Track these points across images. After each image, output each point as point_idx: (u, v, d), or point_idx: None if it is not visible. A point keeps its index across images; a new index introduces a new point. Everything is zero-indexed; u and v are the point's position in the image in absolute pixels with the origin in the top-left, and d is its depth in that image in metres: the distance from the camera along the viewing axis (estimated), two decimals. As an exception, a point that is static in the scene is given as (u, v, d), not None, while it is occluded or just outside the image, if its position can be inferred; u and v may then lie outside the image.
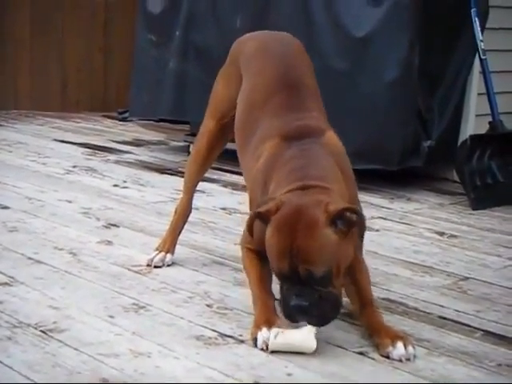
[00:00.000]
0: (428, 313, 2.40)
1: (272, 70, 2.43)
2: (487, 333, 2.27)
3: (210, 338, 2.12)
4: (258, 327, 2.07)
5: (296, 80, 2.41)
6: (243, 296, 2.43)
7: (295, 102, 2.32)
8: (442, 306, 2.46)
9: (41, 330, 2.11)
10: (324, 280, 1.97)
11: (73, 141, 5.28)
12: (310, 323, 2.00)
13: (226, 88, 2.61)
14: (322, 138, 2.21)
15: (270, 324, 2.06)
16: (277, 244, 2.00)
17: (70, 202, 3.58)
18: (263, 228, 2.07)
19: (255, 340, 2.05)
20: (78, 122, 6.14)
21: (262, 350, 2.03)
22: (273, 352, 2.01)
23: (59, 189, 3.83)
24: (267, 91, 2.38)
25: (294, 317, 2.01)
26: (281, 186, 2.08)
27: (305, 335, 2.01)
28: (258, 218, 2.07)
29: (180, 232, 2.79)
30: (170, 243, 2.76)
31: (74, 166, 4.41)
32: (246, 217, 2.21)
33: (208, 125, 2.67)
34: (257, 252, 2.23)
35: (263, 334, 2.03)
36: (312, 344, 2.01)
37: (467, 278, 2.76)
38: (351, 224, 2.00)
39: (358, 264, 2.19)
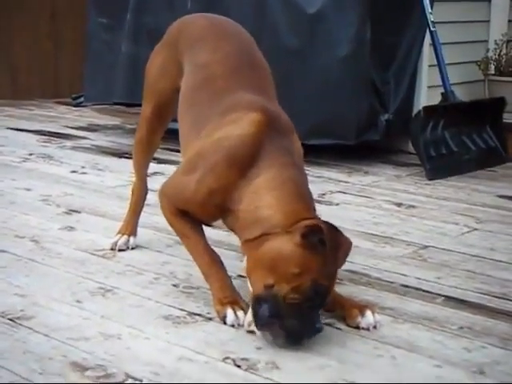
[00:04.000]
0: (390, 282, 2.45)
1: (232, 46, 2.39)
2: (448, 298, 2.33)
3: (178, 317, 2.15)
4: (222, 305, 2.11)
5: (256, 61, 2.39)
6: (209, 274, 2.45)
7: (260, 84, 2.31)
8: (403, 275, 2.51)
9: (8, 318, 2.11)
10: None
11: (27, 128, 5.22)
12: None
13: (161, 69, 2.56)
14: (293, 136, 2.20)
15: (234, 302, 2.10)
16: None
17: (28, 189, 3.56)
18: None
19: (224, 317, 2.08)
20: (31, 110, 6.07)
21: (232, 326, 2.06)
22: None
23: (17, 177, 3.80)
24: (231, 65, 2.32)
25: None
26: (288, 209, 2.02)
27: None
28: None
29: (139, 213, 2.80)
30: (131, 226, 2.77)
31: (31, 154, 4.37)
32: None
33: (145, 111, 2.63)
34: (187, 213, 2.19)
35: (232, 313, 2.07)
36: None
37: (426, 247, 2.82)
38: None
39: None
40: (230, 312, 2.08)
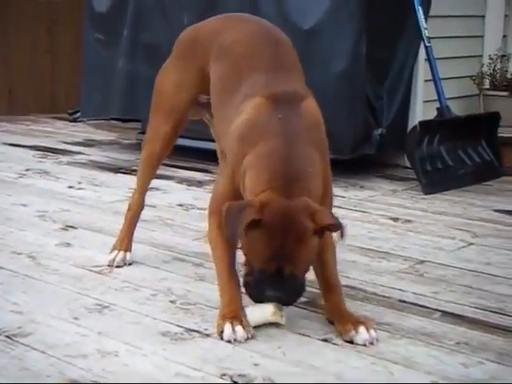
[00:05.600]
0: (387, 297, 2.46)
1: (251, 27, 2.44)
2: (445, 313, 2.33)
3: (175, 333, 2.15)
4: (223, 320, 2.11)
5: (277, 37, 2.42)
6: (206, 290, 2.46)
7: (279, 59, 2.34)
8: (400, 290, 2.52)
9: (5, 336, 2.11)
10: (302, 277, 2.09)
11: (23, 144, 5.23)
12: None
13: (177, 85, 2.56)
14: (301, 105, 2.21)
15: (235, 318, 2.10)
16: (268, 247, 2.03)
17: (25, 205, 3.56)
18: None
19: (221, 333, 2.08)
20: (28, 125, 6.08)
21: (228, 342, 2.06)
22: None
23: (13, 193, 3.80)
24: (251, 44, 2.37)
25: (264, 301, 2.10)
26: (260, 178, 2.07)
27: (275, 309, 2.13)
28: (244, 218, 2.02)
29: (134, 229, 2.79)
30: (127, 241, 2.76)
31: (27, 170, 4.37)
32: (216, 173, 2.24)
33: (162, 128, 2.61)
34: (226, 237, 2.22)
35: (229, 328, 2.07)
36: (282, 317, 2.14)
37: (423, 262, 2.83)
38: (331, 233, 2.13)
39: (327, 245, 2.22)
40: (227, 327, 2.08)
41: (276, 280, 2.05)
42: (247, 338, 2.07)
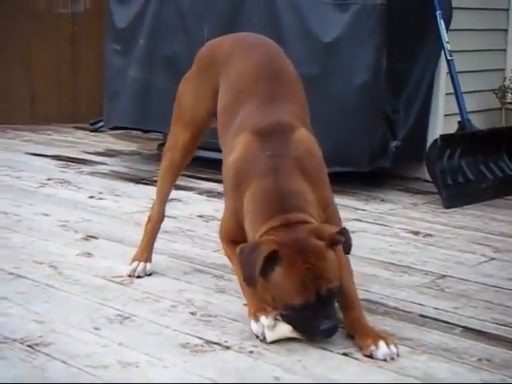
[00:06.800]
0: (408, 312, 2.45)
1: (256, 59, 2.46)
2: (466, 329, 2.32)
3: (196, 345, 2.15)
4: (255, 316, 2.17)
5: (279, 69, 2.45)
6: (226, 302, 2.46)
7: (276, 91, 2.37)
8: (421, 305, 2.51)
9: (27, 345, 2.12)
10: (337, 293, 2.12)
11: (45, 153, 5.27)
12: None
13: (196, 97, 2.61)
14: (291, 136, 2.25)
15: (261, 310, 2.16)
16: (298, 276, 2.05)
17: (46, 215, 3.58)
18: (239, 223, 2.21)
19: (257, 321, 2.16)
20: (49, 135, 6.13)
21: (257, 337, 2.15)
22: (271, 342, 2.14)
23: (35, 202, 3.83)
24: (252, 78, 2.41)
25: (322, 338, 2.13)
26: (258, 220, 2.15)
27: None
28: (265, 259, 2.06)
29: (155, 240, 2.81)
30: (147, 252, 2.78)
31: (49, 179, 4.40)
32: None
33: (182, 137, 2.66)
34: (236, 242, 2.29)
35: (263, 322, 2.15)
36: None
37: (444, 276, 2.81)
38: (340, 243, 2.14)
39: (340, 261, 2.22)
40: (264, 320, 2.15)
41: (320, 308, 2.07)
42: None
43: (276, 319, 2.14)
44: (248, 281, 2.08)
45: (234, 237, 2.30)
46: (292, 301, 2.06)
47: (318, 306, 2.06)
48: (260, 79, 2.40)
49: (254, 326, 2.17)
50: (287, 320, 2.12)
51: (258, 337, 2.15)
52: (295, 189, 2.17)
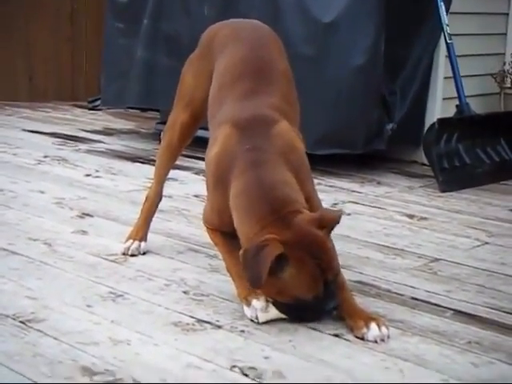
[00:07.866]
0: (400, 294, 2.45)
1: (243, 53, 2.46)
2: (457, 312, 2.33)
3: (187, 324, 2.16)
4: (246, 300, 2.18)
5: (265, 64, 2.44)
6: (219, 282, 2.47)
7: (258, 87, 2.36)
8: (413, 288, 2.52)
9: (19, 321, 2.13)
10: (338, 275, 2.17)
11: (42, 131, 5.26)
12: None
13: (196, 79, 2.62)
14: (271, 130, 2.25)
15: (256, 295, 2.17)
16: (309, 275, 2.06)
17: (42, 192, 3.59)
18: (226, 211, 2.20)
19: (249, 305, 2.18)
20: (47, 112, 6.11)
21: (251, 320, 2.16)
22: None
23: (31, 179, 3.83)
24: (235, 73, 2.42)
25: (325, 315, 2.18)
26: (249, 215, 2.14)
27: None
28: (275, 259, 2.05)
29: (151, 219, 2.82)
30: (142, 231, 2.78)
31: (45, 156, 4.40)
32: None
33: (180, 117, 2.68)
34: (220, 231, 2.35)
35: (255, 305, 2.16)
36: None
37: (437, 260, 2.82)
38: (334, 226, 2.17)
39: None
40: (257, 303, 2.16)
41: (326, 294, 2.10)
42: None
43: (267, 301, 2.15)
44: (253, 283, 2.06)
45: (218, 228, 2.34)
46: (303, 296, 2.08)
47: (325, 293, 2.09)
48: (243, 75, 2.40)
49: (248, 311, 2.18)
50: (288, 309, 2.14)
51: (252, 320, 2.16)
52: (278, 179, 2.17)
